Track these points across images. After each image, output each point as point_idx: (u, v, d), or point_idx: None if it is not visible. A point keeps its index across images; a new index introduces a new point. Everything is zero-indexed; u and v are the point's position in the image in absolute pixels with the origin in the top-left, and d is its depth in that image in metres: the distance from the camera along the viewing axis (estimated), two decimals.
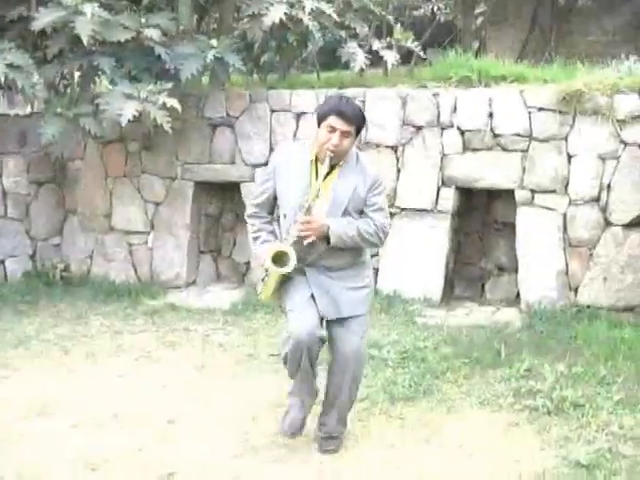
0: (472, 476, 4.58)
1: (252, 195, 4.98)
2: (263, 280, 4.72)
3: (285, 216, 4.67)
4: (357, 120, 4.54)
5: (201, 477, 4.68)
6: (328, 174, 4.57)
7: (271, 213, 4.87)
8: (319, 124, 4.55)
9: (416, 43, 8.46)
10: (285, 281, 4.70)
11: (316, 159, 4.60)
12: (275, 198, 4.77)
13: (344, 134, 4.48)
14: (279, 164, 4.75)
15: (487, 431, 5.11)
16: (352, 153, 4.64)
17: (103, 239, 9.07)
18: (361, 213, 4.64)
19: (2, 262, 9.05)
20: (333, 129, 4.47)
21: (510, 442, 4.94)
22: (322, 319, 4.69)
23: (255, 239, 4.83)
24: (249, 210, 4.92)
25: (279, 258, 4.54)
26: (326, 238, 4.53)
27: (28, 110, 9.22)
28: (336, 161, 4.56)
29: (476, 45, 12.41)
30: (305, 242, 4.51)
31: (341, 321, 4.73)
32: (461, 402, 5.55)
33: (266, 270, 4.63)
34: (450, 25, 13.25)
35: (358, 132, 4.61)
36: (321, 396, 4.97)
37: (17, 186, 9.07)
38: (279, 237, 4.73)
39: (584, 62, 7.87)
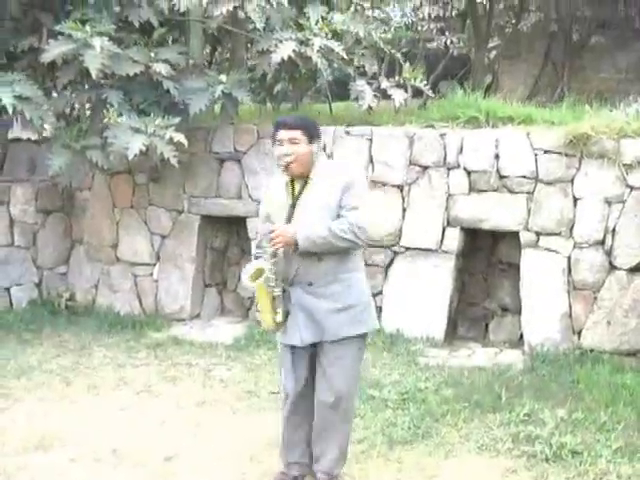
0: None
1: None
2: (258, 311, 4.75)
3: None
4: (301, 124, 4.57)
5: None
6: (302, 190, 4.61)
7: None
8: (273, 144, 4.66)
9: (425, 82, 8.46)
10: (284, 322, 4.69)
11: (291, 180, 4.64)
12: None
13: (291, 141, 4.51)
14: (264, 200, 4.86)
15: (484, 477, 5.07)
16: (320, 164, 4.64)
17: (109, 269, 9.10)
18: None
19: (8, 290, 9.09)
20: (280, 142, 4.55)
21: None
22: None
23: None
24: (253, 251, 4.95)
25: (258, 276, 4.56)
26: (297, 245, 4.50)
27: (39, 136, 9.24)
28: (301, 174, 4.59)
29: (489, 79, 12.48)
30: (274, 250, 4.49)
31: (326, 347, 4.65)
32: (460, 446, 5.51)
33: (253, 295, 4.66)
34: (464, 58, 13.34)
35: (310, 138, 4.57)
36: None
37: (25, 214, 9.11)
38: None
39: (595, 100, 7.90)
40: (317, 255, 4.52)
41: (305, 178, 4.61)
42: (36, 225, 9.19)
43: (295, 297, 4.63)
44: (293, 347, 4.72)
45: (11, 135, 10.50)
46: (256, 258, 4.74)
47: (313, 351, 4.72)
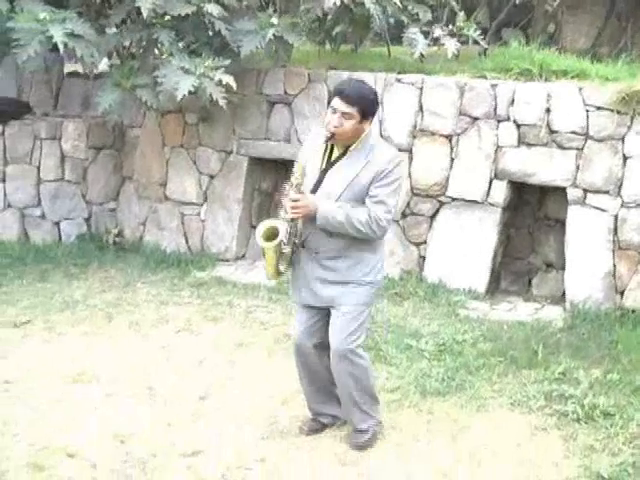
0: (490, 479, 4.58)
1: None
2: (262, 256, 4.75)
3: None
4: (360, 101, 4.44)
5: (225, 457, 4.76)
6: (339, 158, 4.57)
7: None
8: (327, 107, 4.59)
9: (479, 32, 8.31)
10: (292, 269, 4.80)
11: (331, 143, 4.60)
12: None
13: (344, 115, 4.42)
14: (303, 149, 4.79)
15: (514, 433, 5.08)
16: (366, 139, 4.55)
17: (157, 207, 9.17)
18: (363, 203, 4.54)
19: (57, 224, 9.23)
20: (334, 110, 4.45)
21: (535, 447, 4.93)
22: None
23: None
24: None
25: (271, 233, 4.60)
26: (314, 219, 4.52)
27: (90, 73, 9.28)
28: (343, 144, 4.55)
29: (552, 29, 12.21)
30: (290, 218, 4.51)
31: (330, 312, 4.74)
32: (492, 401, 5.52)
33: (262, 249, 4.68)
34: (528, 6, 13.04)
35: (364, 116, 4.48)
36: None
37: (76, 150, 9.18)
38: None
39: None
40: (329, 231, 4.55)
41: (346, 147, 4.57)
42: (87, 161, 9.27)
43: (301, 258, 4.71)
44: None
45: (68, 69, 10.58)
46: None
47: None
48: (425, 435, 5.07)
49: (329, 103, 4.57)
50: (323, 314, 4.78)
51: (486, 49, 8.80)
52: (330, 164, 4.60)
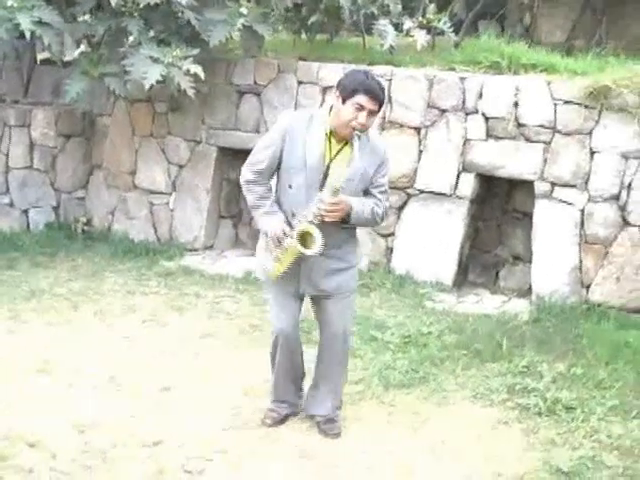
0: (450, 473, 4.59)
1: (251, 160, 4.67)
2: (277, 260, 4.58)
3: (291, 187, 4.56)
4: (383, 98, 4.48)
5: (187, 448, 4.73)
6: (340, 150, 4.53)
7: (269, 180, 4.68)
8: (344, 100, 4.41)
9: (448, 24, 8.29)
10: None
11: (331, 133, 4.51)
12: (278, 165, 4.60)
13: (371, 113, 4.41)
14: (291, 130, 4.54)
15: (475, 427, 5.10)
16: (367, 131, 4.55)
17: (126, 197, 9.14)
18: (365, 192, 4.58)
19: (26, 212, 9.15)
20: (361, 107, 4.36)
21: (495, 440, 4.94)
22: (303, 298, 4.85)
23: (256, 207, 4.64)
24: (248, 176, 4.65)
25: (302, 238, 4.47)
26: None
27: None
28: (342, 136, 4.51)
29: (527, 21, 12.22)
30: (327, 220, 4.41)
31: (325, 299, 4.76)
32: (454, 394, 5.54)
33: (284, 248, 4.52)
34: None
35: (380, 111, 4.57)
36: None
37: (45, 138, 9.12)
38: (290, 211, 4.58)
39: (630, 51, 7.73)
40: (342, 224, 4.55)
41: (344, 139, 4.53)
42: (56, 149, 9.20)
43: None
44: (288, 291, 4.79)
45: (41, 56, 10.47)
46: (249, 183, 4.65)
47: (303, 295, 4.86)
48: (386, 427, 5.07)
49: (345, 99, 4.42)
50: (300, 301, 4.86)
51: (459, 42, 8.78)
52: (334, 154, 4.53)
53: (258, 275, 5.03)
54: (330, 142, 4.52)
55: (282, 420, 5.07)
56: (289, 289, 4.74)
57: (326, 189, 4.40)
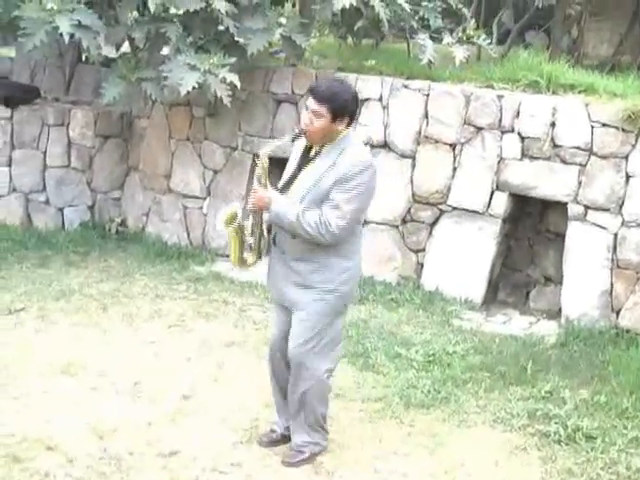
0: None
1: None
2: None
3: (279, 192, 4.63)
4: (330, 99, 4.32)
5: (202, 460, 4.75)
6: (314, 158, 4.48)
7: None
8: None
9: (488, 41, 8.26)
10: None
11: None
12: None
13: (314, 114, 4.33)
14: (292, 151, 4.73)
15: (493, 452, 5.05)
16: (340, 141, 4.43)
17: (160, 199, 9.19)
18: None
19: (61, 210, 9.25)
20: (306, 107, 4.41)
21: (512, 468, 4.89)
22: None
23: None
24: None
25: (232, 220, 4.62)
26: None
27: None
28: (319, 144, 4.45)
29: (574, 35, 12.13)
30: (248, 209, 4.56)
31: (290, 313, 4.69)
32: (475, 417, 5.49)
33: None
34: (552, 8, 12.93)
35: (336, 116, 4.34)
36: None
37: (83, 138, 9.21)
38: None
39: None
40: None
41: (320, 148, 4.47)
42: (93, 149, 9.29)
43: (274, 254, 4.68)
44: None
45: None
46: None
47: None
48: (403, 448, 5.04)
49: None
50: (288, 313, 4.76)
51: (505, 53, 8.72)
52: (305, 163, 4.52)
53: None
54: (308, 150, 4.52)
55: (277, 442, 4.97)
56: (270, 295, 4.85)
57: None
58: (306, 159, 4.53)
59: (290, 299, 4.63)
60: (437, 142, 7.76)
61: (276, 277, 4.69)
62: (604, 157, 7.07)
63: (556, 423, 5.35)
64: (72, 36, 6.97)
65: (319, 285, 4.53)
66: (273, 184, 4.58)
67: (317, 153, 4.49)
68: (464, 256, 7.64)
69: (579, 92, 7.53)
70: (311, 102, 4.37)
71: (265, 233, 4.69)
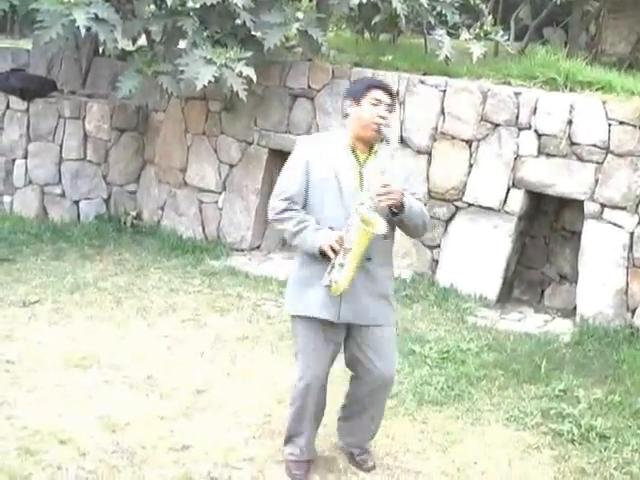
0: None
1: (277, 191, 4.34)
2: (341, 266, 4.05)
3: (318, 222, 4.20)
4: (395, 96, 4.30)
5: (214, 455, 4.74)
6: (367, 159, 4.26)
7: (300, 207, 4.27)
8: (359, 102, 4.20)
9: (505, 37, 8.22)
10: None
11: (354, 145, 4.26)
12: (306, 193, 4.26)
13: (389, 107, 4.20)
14: (312, 158, 4.25)
15: (506, 450, 5.03)
16: (387, 138, 4.20)
17: (176, 193, 9.21)
18: None
19: (77, 203, 9.27)
20: (379, 102, 4.17)
21: (525, 466, 4.86)
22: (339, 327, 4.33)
23: (302, 229, 4.19)
24: (279, 206, 4.28)
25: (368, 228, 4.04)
26: (392, 212, 4.11)
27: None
28: (376, 141, 4.24)
29: (591, 32, 12.08)
30: (383, 205, 4.03)
31: (367, 331, 4.34)
32: (488, 415, 5.46)
33: (343, 256, 4.04)
34: (570, 4, 12.89)
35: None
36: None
37: (99, 131, 9.23)
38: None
39: None
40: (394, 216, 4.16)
41: (370, 146, 4.28)
42: (109, 142, 9.31)
43: None
44: (323, 323, 4.29)
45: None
46: (284, 212, 4.26)
47: (341, 331, 4.38)
48: (416, 445, 5.02)
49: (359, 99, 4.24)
50: (337, 337, 4.39)
51: (523, 48, 8.68)
52: (363, 164, 4.26)
53: (288, 310, 4.54)
54: (356, 155, 4.27)
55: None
56: (318, 314, 4.26)
57: (370, 175, 4.14)
58: (358, 159, 4.27)
59: (371, 314, 4.30)
60: (453, 138, 7.73)
61: (356, 294, 4.19)
62: (621, 155, 7.03)
63: (570, 422, 5.34)
64: (89, 29, 6.97)
65: (390, 292, 4.41)
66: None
67: (370, 150, 4.27)
68: (479, 253, 7.61)
69: (596, 90, 7.49)
70: (384, 96, 4.19)
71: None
